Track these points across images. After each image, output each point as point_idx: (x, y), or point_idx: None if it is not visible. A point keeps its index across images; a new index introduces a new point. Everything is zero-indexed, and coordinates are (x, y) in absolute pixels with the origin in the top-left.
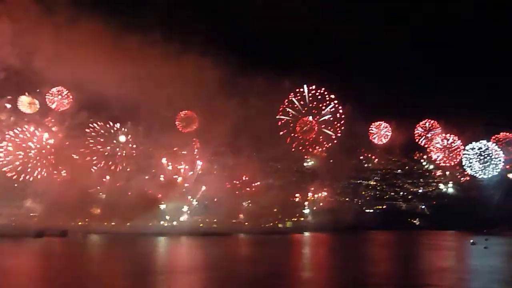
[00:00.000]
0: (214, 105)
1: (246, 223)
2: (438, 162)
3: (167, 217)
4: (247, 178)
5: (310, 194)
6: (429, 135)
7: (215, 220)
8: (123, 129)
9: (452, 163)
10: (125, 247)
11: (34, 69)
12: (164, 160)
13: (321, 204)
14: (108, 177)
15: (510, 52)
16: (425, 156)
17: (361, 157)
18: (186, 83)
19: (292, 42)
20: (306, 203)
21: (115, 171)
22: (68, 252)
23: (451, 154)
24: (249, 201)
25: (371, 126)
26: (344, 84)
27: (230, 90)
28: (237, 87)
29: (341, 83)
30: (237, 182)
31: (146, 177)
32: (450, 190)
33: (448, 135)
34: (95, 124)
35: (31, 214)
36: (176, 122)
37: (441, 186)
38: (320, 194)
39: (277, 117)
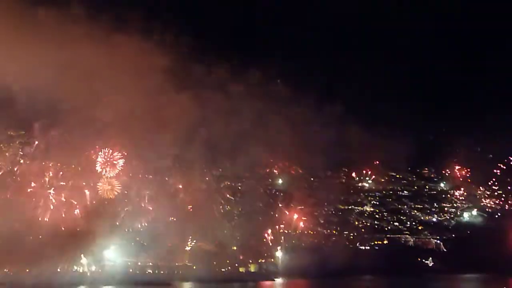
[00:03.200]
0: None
1: (194, 267)
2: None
3: (85, 261)
4: (197, 205)
5: (282, 226)
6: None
7: (150, 264)
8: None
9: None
10: None
11: None
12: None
13: (298, 238)
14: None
15: None
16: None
17: (354, 174)
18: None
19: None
20: (277, 238)
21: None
22: None
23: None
24: (198, 236)
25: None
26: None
27: (178, 83)
28: (187, 80)
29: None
30: (184, 211)
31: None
32: (475, 219)
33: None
34: None
35: None
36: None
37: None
38: (296, 225)
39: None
